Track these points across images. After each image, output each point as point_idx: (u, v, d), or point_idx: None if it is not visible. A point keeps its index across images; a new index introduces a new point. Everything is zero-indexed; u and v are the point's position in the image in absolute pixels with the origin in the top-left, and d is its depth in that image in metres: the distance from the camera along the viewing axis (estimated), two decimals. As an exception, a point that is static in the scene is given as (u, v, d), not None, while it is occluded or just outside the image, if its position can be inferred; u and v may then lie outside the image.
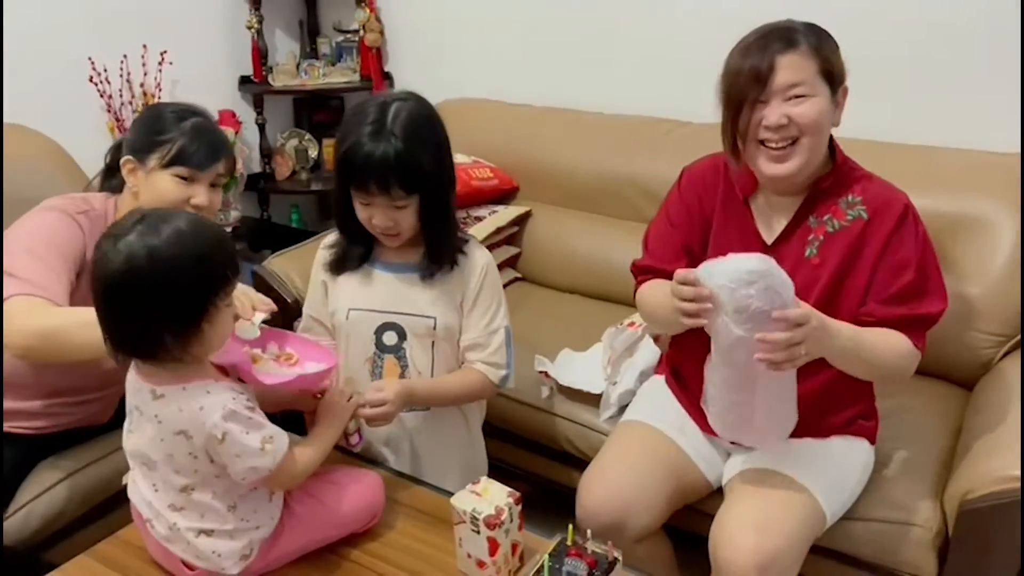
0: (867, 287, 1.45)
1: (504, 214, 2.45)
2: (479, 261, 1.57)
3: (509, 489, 1.31)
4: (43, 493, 1.64)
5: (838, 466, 1.52)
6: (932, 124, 2.08)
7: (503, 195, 2.55)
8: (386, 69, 3.09)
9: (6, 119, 2.25)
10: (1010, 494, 1.43)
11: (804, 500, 1.44)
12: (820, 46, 1.38)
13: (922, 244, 1.44)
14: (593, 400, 1.88)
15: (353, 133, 1.41)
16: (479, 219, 2.39)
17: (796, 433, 1.47)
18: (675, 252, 1.59)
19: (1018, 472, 1.43)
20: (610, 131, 2.51)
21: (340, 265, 1.58)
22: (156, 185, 1.55)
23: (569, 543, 1.27)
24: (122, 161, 1.60)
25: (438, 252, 1.53)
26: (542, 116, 2.64)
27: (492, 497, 1.29)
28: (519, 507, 1.30)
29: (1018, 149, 1.94)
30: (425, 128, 1.44)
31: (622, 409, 1.80)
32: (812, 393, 1.48)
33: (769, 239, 1.51)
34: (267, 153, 3.12)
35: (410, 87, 3.13)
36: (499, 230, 2.40)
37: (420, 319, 1.54)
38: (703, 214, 1.56)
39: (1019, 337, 1.85)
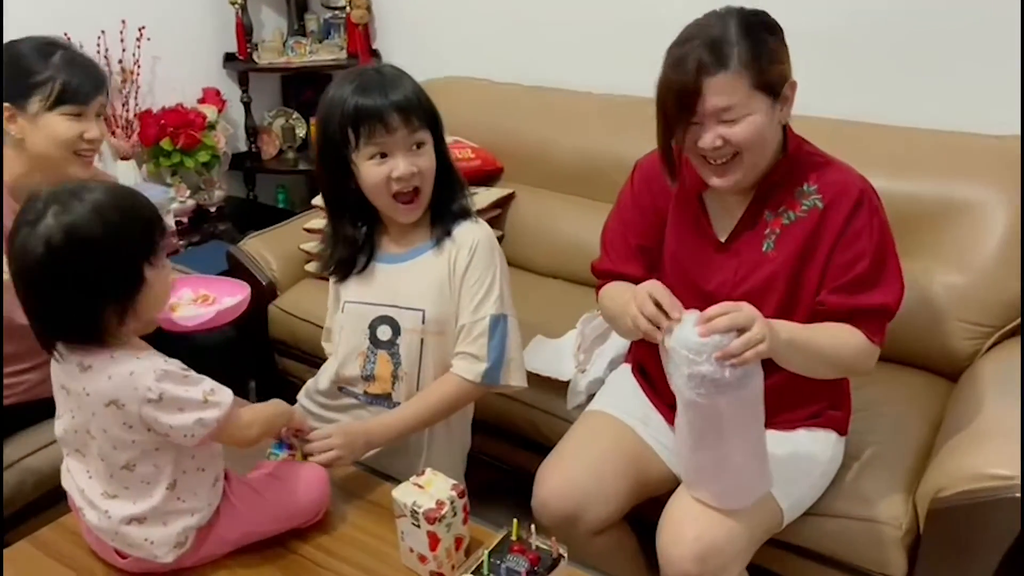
0: (822, 277, 1.39)
1: (485, 196, 2.39)
2: (470, 236, 1.47)
3: (453, 482, 1.27)
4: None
5: (800, 459, 1.47)
6: (921, 105, 2.00)
7: (486, 176, 2.49)
8: (374, 46, 3.03)
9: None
10: (985, 493, 1.37)
11: (757, 493, 1.39)
12: (754, 59, 1.27)
13: (879, 231, 1.38)
14: (563, 388, 1.83)
15: (346, 94, 1.37)
16: (458, 201, 2.33)
17: (762, 426, 1.42)
18: (630, 252, 1.54)
19: (996, 470, 1.37)
20: (599, 111, 2.45)
21: (339, 267, 1.52)
22: (46, 129, 1.52)
23: (514, 538, 1.23)
24: None
25: (451, 205, 1.47)
26: (529, 95, 2.58)
27: (435, 490, 1.25)
28: (463, 500, 1.26)
29: (1013, 131, 1.86)
30: (411, 77, 1.44)
31: (591, 398, 1.75)
32: (777, 386, 1.42)
33: (723, 236, 1.46)
34: (253, 132, 3.07)
35: (397, 65, 3.09)
36: (479, 212, 2.33)
37: (409, 312, 1.47)
38: (656, 210, 1.50)
39: (1007, 328, 1.78)
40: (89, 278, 1.10)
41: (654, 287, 1.27)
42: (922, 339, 1.82)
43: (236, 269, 2.34)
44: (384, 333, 1.49)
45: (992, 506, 1.36)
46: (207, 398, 1.16)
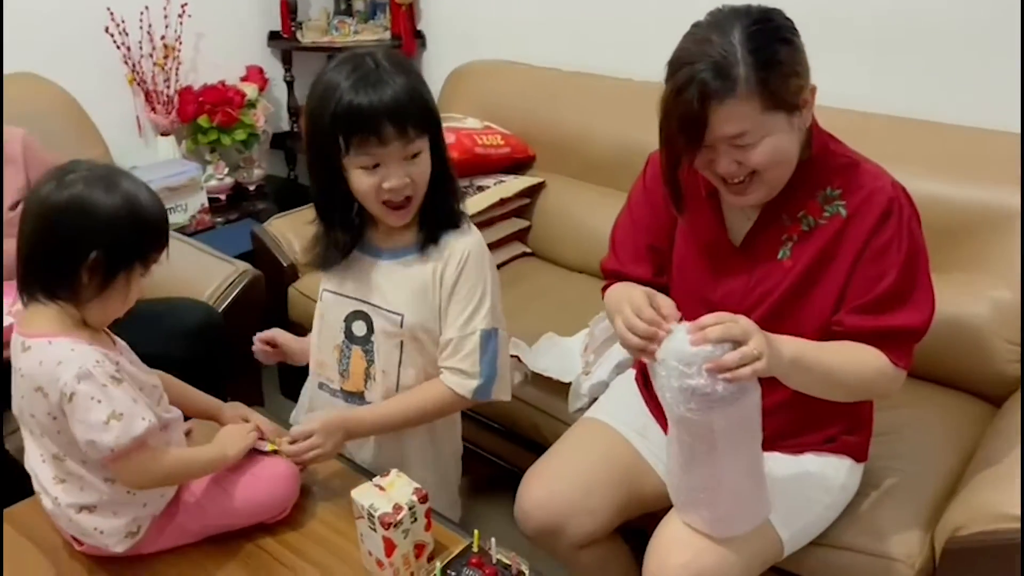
0: (840, 294, 1.27)
1: (511, 184, 2.31)
2: (460, 246, 1.38)
3: (416, 486, 1.21)
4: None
5: (806, 486, 1.35)
6: (976, 102, 1.82)
7: (516, 164, 2.42)
8: (418, 27, 2.97)
9: (17, 67, 2.26)
10: (1006, 535, 1.24)
11: (756, 521, 1.29)
12: (764, 80, 1.13)
13: (908, 243, 1.24)
14: (567, 389, 1.75)
15: (337, 90, 1.26)
16: (482, 189, 2.26)
17: (764, 447, 1.30)
18: (639, 253, 1.44)
19: (1019, 511, 1.24)
20: (639, 98, 2.29)
21: (328, 262, 1.45)
22: None
23: (475, 549, 1.16)
24: None
25: (442, 210, 1.38)
26: (567, 81, 2.48)
27: (395, 493, 1.19)
28: (425, 506, 1.20)
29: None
30: (412, 68, 1.33)
31: (595, 402, 1.66)
32: (786, 404, 1.32)
33: (737, 240, 1.35)
34: (295, 111, 3.06)
35: (442, 47, 3.04)
36: (503, 201, 2.27)
37: (387, 314, 1.40)
38: (669, 208, 1.39)
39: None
40: (75, 246, 1.10)
41: (640, 303, 1.18)
42: (963, 358, 1.68)
43: (259, 249, 2.33)
44: (359, 329, 1.43)
45: (1013, 550, 1.22)
46: (110, 420, 1.09)
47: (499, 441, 1.91)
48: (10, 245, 1.29)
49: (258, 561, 1.27)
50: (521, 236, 2.39)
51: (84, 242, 1.10)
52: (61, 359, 1.09)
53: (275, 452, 1.33)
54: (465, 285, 1.38)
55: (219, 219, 2.74)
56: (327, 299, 1.45)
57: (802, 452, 1.38)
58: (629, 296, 1.22)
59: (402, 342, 1.41)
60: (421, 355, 1.42)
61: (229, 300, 1.97)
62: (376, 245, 1.41)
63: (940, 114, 1.83)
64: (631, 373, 1.62)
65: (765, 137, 1.18)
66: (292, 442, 1.34)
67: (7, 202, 1.67)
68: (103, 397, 1.09)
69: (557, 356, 1.81)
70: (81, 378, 1.08)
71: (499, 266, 2.28)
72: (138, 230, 1.13)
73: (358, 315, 1.42)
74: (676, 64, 1.19)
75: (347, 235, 1.40)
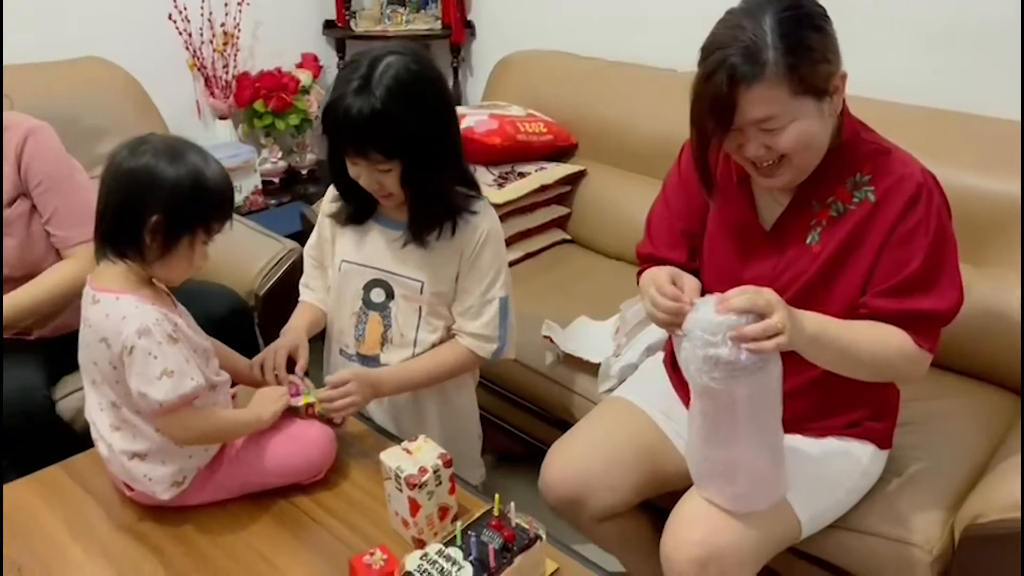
0: (866, 277, 1.29)
1: (553, 172, 2.35)
2: (480, 226, 1.46)
3: (442, 451, 1.27)
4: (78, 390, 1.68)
5: (828, 470, 1.38)
6: (1014, 94, 1.80)
7: (558, 152, 2.45)
8: (469, 18, 3.03)
9: (85, 51, 2.38)
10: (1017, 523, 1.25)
11: (773, 501, 1.32)
12: (794, 65, 1.16)
13: (936, 229, 1.25)
14: (596, 370, 1.79)
15: (339, 87, 1.32)
16: (524, 175, 2.30)
17: (787, 428, 1.33)
18: (674, 238, 1.48)
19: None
20: (680, 89, 2.29)
21: (341, 218, 1.53)
22: None
23: (495, 514, 1.21)
24: None
25: (422, 221, 1.43)
26: (611, 71, 2.51)
27: (421, 457, 1.25)
28: (449, 470, 1.26)
29: None
30: (414, 87, 1.32)
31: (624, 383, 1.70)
32: (813, 386, 1.34)
33: (768, 225, 1.37)
34: (347, 98, 3.14)
35: (491, 37, 3.09)
36: (544, 188, 2.31)
37: (408, 281, 1.48)
38: (702, 194, 1.42)
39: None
40: (139, 209, 1.19)
41: (662, 281, 1.23)
42: (995, 352, 1.67)
43: (308, 230, 2.41)
44: (377, 296, 1.51)
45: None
46: (162, 376, 1.17)
47: (528, 418, 1.96)
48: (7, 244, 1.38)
49: (291, 517, 1.34)
50: (561, 223, 2.43)
51: (147, 206, 1.18)
52: (126, 314, 1.18)
53: (309, 405, 1.41)
54: (484, 258, 1.47)
55: (272, 201, 2.84)
56: (346, 269, 1.53)
57: (825, 436, 1.40)
58: (654, 276, 1.27)
59: (421, 307, 1.49)
60: (437, 318, 1.51)
61: (277, 277, 2.06)
62: (391, 217, 1.48)
63: (977, 106, 1.81)
64: (661, 356, 1.65)
65: (793, 122, 1.20)
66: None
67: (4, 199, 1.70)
68: (159, 354, 1.18)
69: (588, 338, 1.85)
70: (141, 334, 1.17)
71: (538, 252, 2.35)
72: (199, 198, 1.21)
73: (377, 283, 1.51)
74: (708, 49, 1.22)
75: (357, 205, 1.49)
